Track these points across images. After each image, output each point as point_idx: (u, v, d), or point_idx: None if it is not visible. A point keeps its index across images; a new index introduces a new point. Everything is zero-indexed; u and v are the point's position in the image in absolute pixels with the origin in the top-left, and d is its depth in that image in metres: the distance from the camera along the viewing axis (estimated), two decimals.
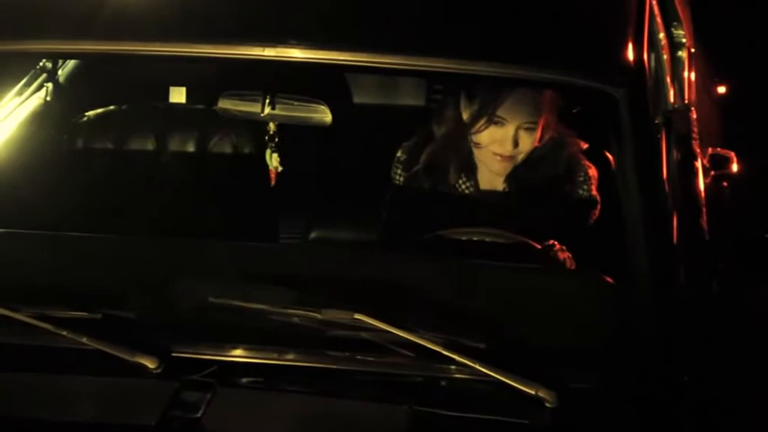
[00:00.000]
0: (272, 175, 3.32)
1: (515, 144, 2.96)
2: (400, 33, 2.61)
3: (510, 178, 3.05)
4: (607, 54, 2.63)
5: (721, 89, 4.50)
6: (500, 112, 2.93)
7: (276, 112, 3.07)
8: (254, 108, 3.07)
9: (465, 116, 3.01)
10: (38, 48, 2.79)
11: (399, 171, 3.14)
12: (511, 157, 2.98)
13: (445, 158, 3.07)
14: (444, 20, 2.64)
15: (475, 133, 2.98)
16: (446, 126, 3.08)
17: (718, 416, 2.36)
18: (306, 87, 3.06)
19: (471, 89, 2.97)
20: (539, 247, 2.86)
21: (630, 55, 2.60)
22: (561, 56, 2.60)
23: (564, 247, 2.87)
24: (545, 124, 2.98)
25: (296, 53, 2.54)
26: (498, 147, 2.97)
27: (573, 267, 2.88)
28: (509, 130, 2.95)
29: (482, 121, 2.95)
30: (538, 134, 2.97)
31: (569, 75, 2.56)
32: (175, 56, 2.64)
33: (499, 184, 3.06)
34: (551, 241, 2.87)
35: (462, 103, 3.01)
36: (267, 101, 3.04)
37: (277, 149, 3.26)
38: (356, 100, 4.24)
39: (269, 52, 2.53)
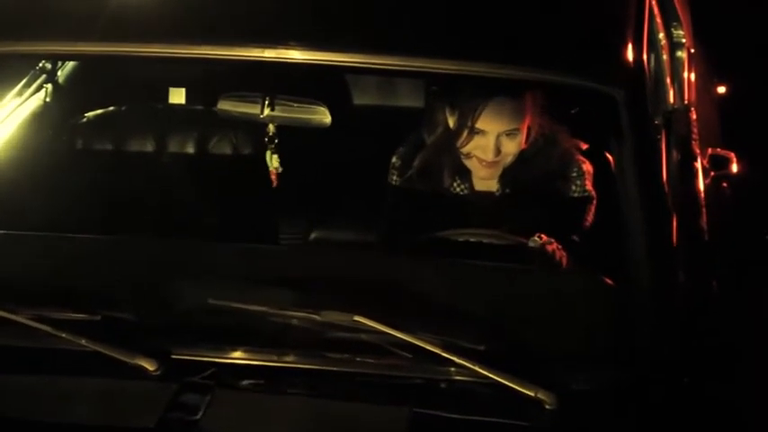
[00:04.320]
0: (273, 177, 3.32)
1: (497, 152, 2.96)
2: (399, 34, 2.62)
3: (504, 178, 3.04)
4: (606, 54, 2.63)
5: (721, 89, 4.50)
6: (479, 125, 2.93)
7: (276, 113, 3.07)
8: (253, 109, 3.07)
9: (451, 124, 3.01)
10: (37, 49, 2.79)
11: (395, 176, 3.14)
12: (495, 163, 2.99)
13: (438, 162, 3.07)
14: (442, 21, 2.64)
15: (460, 146, 2.98)
16: (437, 131, 3.06)
17: (718, 416, 2.35)
18: (305, 89, 3.06)
19: (453, 99, 2.97)
20: (526, 241, 2.85)
21: (630, 55, 2.61)
22: (560, 56, 2.60)
23: (552, 240, 2.86)
24: (530, 126, 2.98)
25: (296, 54, 2.54)
26: (481, 153, 2.97)
27: (564, 259, 2.87)
28: (490, 139, 2.94)
29: (464, 134, 2.95)
30: (522, 137, 2.97)
31: (568, 75, 2.57)
32: (175, 57, 2.64)
33: (493, 185, 3.06)
34: (538, 234, 2.86)
35: (447, 112, 3.01)
36: (266, 102, 3.05)
37: (277, 151, 3.26)
38: (356, 101, 4.24)
39: (269, 53, 2.54)
